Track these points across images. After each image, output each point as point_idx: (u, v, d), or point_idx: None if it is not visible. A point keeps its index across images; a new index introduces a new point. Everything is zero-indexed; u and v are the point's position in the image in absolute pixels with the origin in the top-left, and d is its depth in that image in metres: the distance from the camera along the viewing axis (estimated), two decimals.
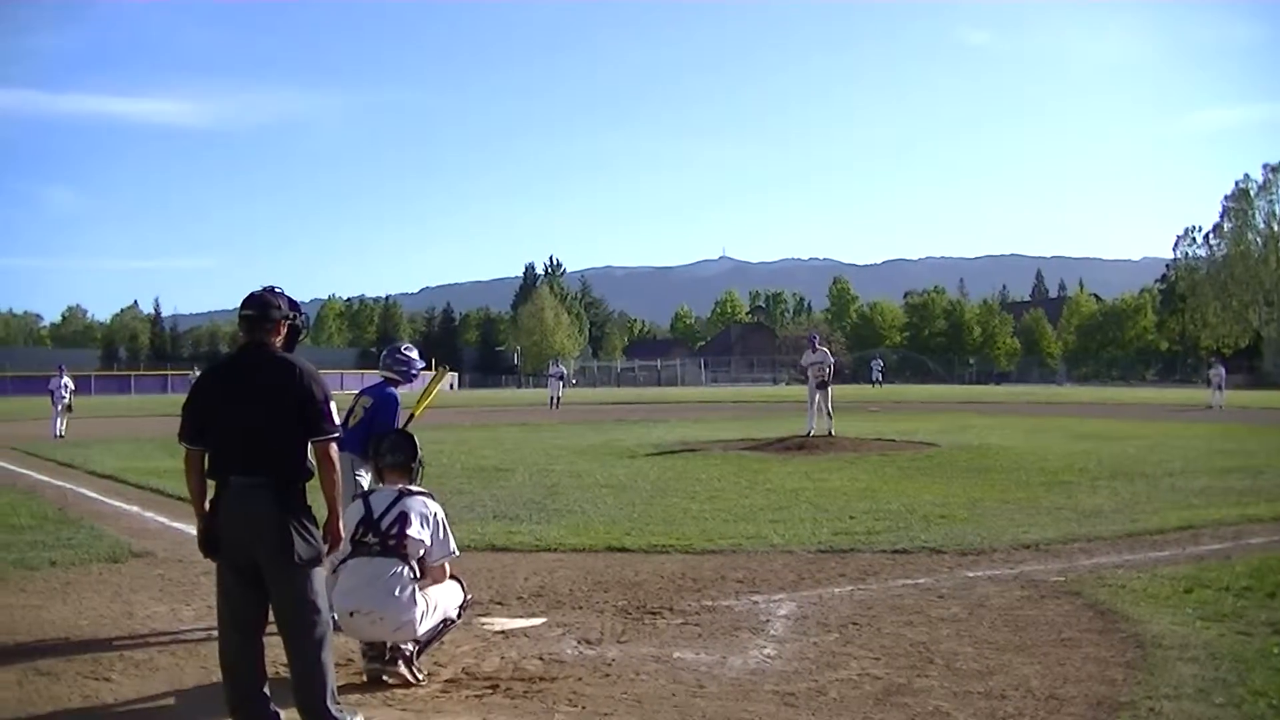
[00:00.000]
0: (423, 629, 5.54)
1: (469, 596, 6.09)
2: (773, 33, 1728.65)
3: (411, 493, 5.76)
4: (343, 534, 4.97)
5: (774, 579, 7.98)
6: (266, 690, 4.72)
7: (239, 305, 4.91)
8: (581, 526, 10.37)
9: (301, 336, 5.05)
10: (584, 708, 5.12)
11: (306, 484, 4.76)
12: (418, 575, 5.57)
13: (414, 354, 7.36)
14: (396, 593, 5.42)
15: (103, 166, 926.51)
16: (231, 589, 4.72)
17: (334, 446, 4.78)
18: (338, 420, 4.96)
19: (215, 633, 5.45)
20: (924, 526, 10.12)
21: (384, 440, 6.12)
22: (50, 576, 8.30)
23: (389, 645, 5.54)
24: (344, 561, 5.50)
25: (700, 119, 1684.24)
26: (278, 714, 4.71)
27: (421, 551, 5.60)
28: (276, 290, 4.95)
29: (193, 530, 10.34)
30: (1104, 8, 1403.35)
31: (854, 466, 15.93)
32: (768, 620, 6.75)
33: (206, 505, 4.75)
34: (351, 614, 5.41)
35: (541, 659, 5.95)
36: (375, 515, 5.61)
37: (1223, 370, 40.19)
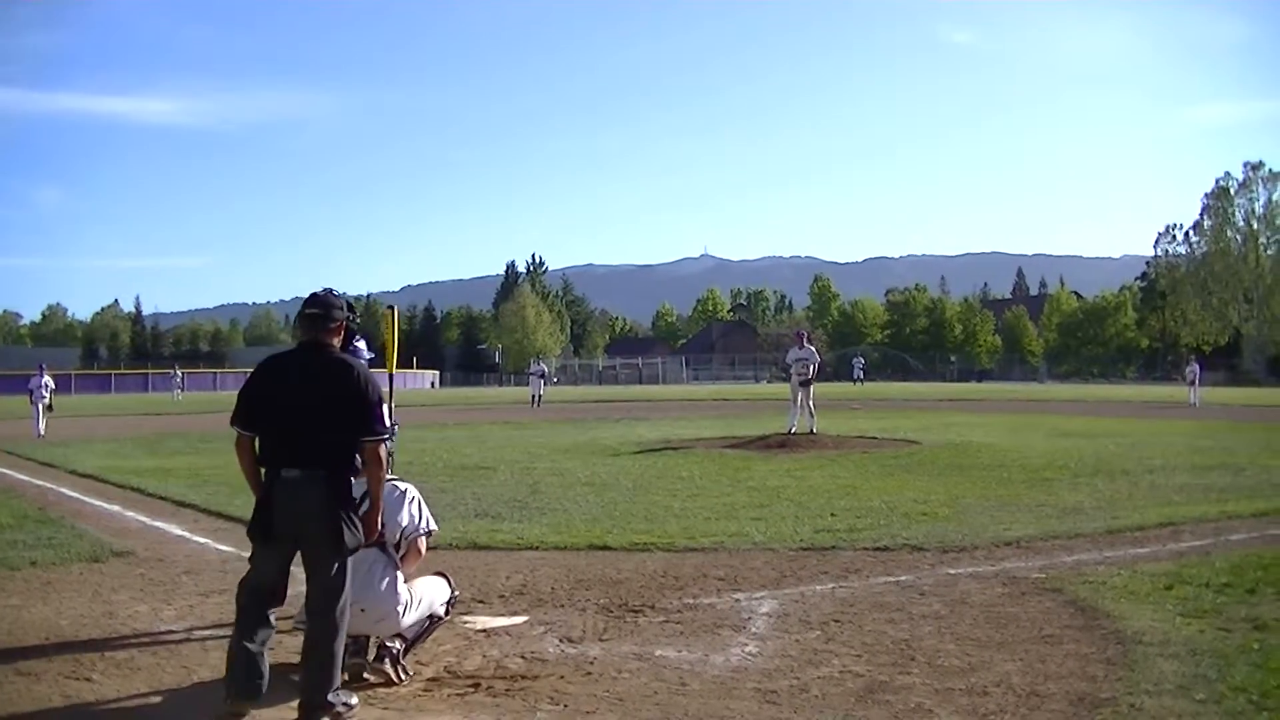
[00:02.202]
0: (406, 622, 5.52)
1: (456, 594, 6.07)
2: (755, 32, 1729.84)
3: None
4: (379, 528, 5.14)
5: (756, 576, 7.98)
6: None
7: (302, 303, 5.08)
8: (563, 525, 10.35)
9: (355, 339, 5.13)
10: (566, 706, 5.10)
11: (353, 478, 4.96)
12: (398, 566, 5.56)
13: (361, 344, 7.23)
14: (378, 585, 5.40)
15: (85, 165, 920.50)
16: (263, 562, 4.91)
17: (382, 447, 4.98)
18: (388, 422, 5.04)
19: (196, 633, 5.40)
20: (905, 524, 10.14)
21: None
22: (30, 576, 8.23)
23: (377, 643, 5.53)
24: None
25: (682, 117, 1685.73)
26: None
27: (399, 535, 5.62)
28: (335, 293, 5.10)
29: (175, 530, 10.41)
30: (1087, 8, 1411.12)
31: (836, 464, 15.96)
32: (749, 618, 6.74)
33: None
34: None
35: (523, 657, 5.94)
36: None
37: (1197, 368, 41.06)
